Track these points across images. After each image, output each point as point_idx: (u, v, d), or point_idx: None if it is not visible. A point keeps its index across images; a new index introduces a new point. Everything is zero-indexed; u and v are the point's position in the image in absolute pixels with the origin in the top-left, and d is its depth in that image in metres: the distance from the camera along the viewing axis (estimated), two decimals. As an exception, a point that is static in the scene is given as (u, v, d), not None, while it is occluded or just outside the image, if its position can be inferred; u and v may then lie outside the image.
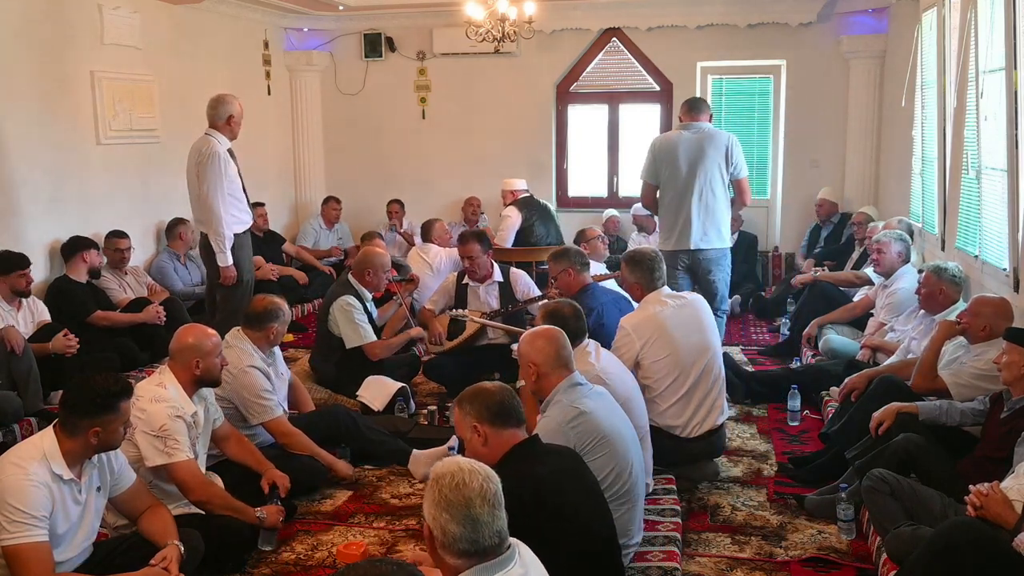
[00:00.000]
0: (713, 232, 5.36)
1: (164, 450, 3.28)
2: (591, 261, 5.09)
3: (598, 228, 6.63)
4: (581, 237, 6.29)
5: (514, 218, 6.96)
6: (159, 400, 3.32)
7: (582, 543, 2.62)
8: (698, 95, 8.40)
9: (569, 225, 8.55)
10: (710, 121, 5.48)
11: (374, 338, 5.19)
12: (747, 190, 5.44)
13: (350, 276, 5.36)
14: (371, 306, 5.46)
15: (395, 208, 8.69)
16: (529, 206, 7.08)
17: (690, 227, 5.32)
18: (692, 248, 5.34)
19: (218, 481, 3.63)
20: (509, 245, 6.87)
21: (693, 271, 5.43)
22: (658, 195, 5.44)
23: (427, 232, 7.05)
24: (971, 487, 2.88)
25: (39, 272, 5.72)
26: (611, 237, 8.46)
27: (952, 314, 4.29)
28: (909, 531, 2.99)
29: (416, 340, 5.59)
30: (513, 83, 8.85)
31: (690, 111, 5.43)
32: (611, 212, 8.63)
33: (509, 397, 2.72)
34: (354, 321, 5.14)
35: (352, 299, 5.17)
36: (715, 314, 5.14)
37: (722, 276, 5.49)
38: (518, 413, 2.72)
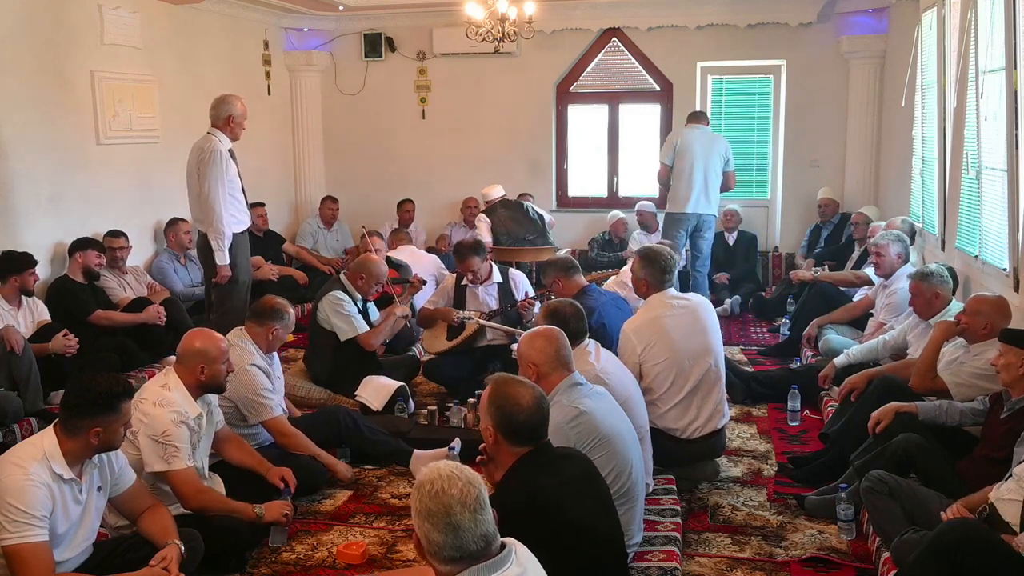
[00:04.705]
0: (713, 202, 7.15)
1: (164, 457, 3.28)
2: None
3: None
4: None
5: (482, 226, 7.31)
6: (163, 404, 3.32)
7: (588, 550, 2.61)
8: (698, 95, 8.54)
9: (570, 226, 8.61)
10: (708, 125, 7.34)
11: (366, 328, 5.22)
12: (734, 179, 7.31)
13: (343, 275, 5.40)
14: (369, 306, 5.46)
15: (408, 207, 8.67)
16: (502, 208, 7.33)
17: (701, 197, 7.06)
18: (702, 212, 7.09)
19: (219, 482, 3.63)
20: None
21: (696, 230, 7.17)
22: (671, 174, 7.15)
23: (396, 240, 7.47)
24: (941, 514, 2.94)
25: (39, 272, 5.71)
26: (618, 238, 8.49)
27: (948, 315, 4.29)
28: (916, 537, 2.97)
29: (402, 319, 5.54)
30: (513, 83, 8.85)
31: (696, 118, 7.29)
32: (617, 214, 8.60)
33: (537, 415, 2.64)
34: (344, 314, 5.17)
35: (340, 294, 5.21)
36: (696, 274, 7.26)
37: (709, 237, 7.30)
38: (540, 432, 2.66)
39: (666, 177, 7.19)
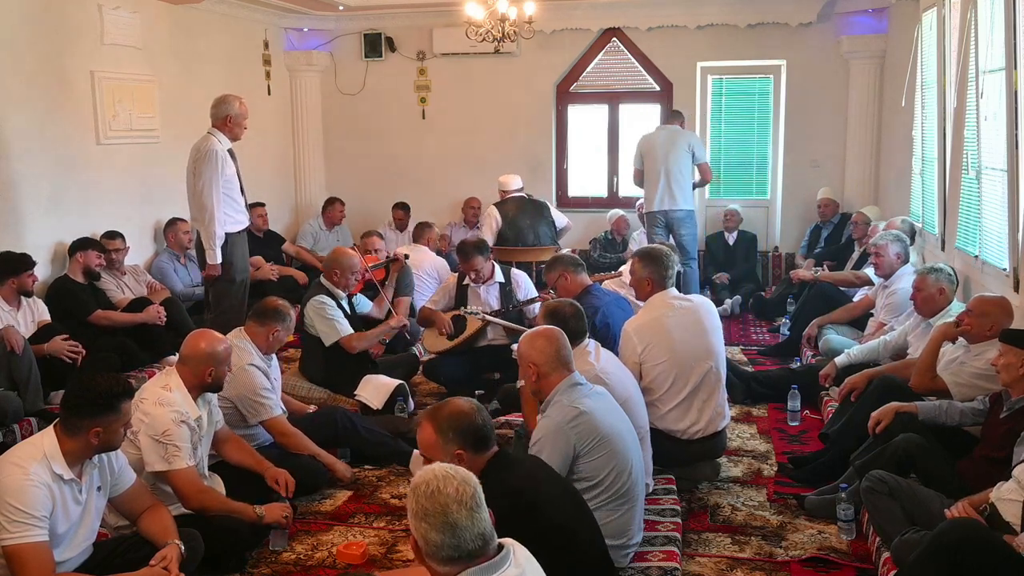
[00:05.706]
0: (680, 198, 7.27)
1: (164, 456, 3.29)
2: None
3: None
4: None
5: (489, 220, 7.24)
6: (163, 404, 3.32)
7: (571, 545, 2.62)
8: (698, 95, 8.57)
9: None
10: (682, 125, 7.50)
11: (350, 331, 5.20)
12: (708, 170, 7.45)
13: (321, 277, 5.39)
14: (355, 304, 5.47)
15: (400, 214, 8.64)
16: (515, 206, 7.20)
17: (665, 195, 7.26)
18: (667, 208, 7.28)
19: (219, 482, 3.63)
20: (490, 244, 6.89)
21: (668, 227, 7.36)
22: (644, 176, 7.43)
23: (420, 234, 7.22)
24: (946, 511, 2.92)
25: (39, 272, 5.71)
26: (619, 236, 8.50)
27: (948, 316, 4.28)
28: (916, 537, 2.97)
29: (396, 330, 5.58)
30: (513, 83, 8.85)
31: (669, 118, 7.65)
32: (618, 212, 8.59)
33: (485, 417, 2.69)
34: (327, 317, 5.15)
35: (323, 297, 5.20)
36: (687, 269, 7.18)
37: (689, 232, 7.34)
38: (493, 432, 2.72)
39: (639, 180, 7.49)
